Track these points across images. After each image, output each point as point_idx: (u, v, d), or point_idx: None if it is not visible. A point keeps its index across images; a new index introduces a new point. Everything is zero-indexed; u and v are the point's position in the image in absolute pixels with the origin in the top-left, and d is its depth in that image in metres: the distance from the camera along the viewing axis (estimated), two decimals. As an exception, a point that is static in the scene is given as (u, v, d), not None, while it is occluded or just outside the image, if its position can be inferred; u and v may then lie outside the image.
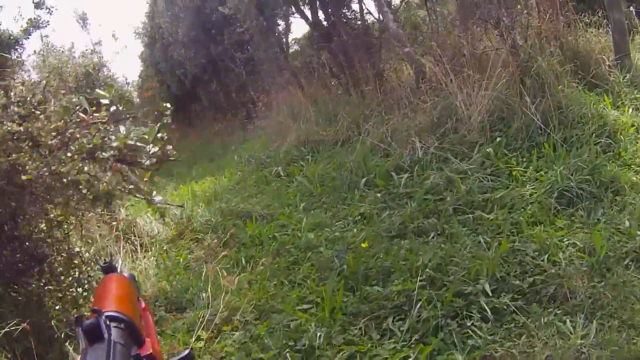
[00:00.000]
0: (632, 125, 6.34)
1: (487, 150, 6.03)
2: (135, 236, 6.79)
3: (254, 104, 12.92)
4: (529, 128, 6.17)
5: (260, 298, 4.78)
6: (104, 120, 3.79)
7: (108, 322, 0.96)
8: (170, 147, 4.26)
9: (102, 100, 3.70)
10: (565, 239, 4.60)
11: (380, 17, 8.85)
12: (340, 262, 4.96)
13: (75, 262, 4.47)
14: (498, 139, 6.22)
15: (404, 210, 5.69)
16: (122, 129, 3.89)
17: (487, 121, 6.42)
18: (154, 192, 4.52)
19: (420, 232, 5.28)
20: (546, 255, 4.37)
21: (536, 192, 5.29)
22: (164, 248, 6.72)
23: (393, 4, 9.71)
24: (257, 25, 11.00)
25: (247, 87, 13.66)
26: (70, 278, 4.36)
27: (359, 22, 9.50)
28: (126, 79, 21.61)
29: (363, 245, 5.05)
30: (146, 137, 3.86)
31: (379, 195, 6.25)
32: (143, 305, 1.32)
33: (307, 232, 5.90)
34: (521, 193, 5.35)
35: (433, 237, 5.12)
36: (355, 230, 5.69)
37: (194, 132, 19.83)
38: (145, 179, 4.51)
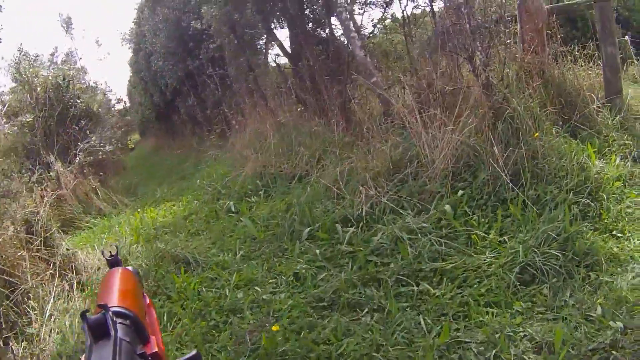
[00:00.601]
0: (618, 179, 5.52)
1: (445, 207, 5.17)
2: (73, 272, 6.23)
3: (227, 122, 12.15)
4: (497, 181, 5.28)
5: (167, 374, 3.95)
6: None
7: (114, 319, 0.92)
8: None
9: None
10: (520, 329, 3.75)
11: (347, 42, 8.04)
12: (252, 341, 4.15)
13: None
14: (460, 192, 5.37)
15: (343, 274, 4.88)
16: None
17: (451, 169, 5.58)
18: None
19: (355, 304, 4.45)
20: (493, 351, 3.54)
21: (496, 263, 4.44)
22: (95, 292, 5.89)
23: (365, 27, 8.96)
24: (229, 42, 10.25)
25: (222, 104, 12.89)
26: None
27: (329, 46, 8.67)
28: (109, 87, 21.11)
29: (274, 328, 4.22)
30: None
31: (318, 252, 5.43)
32: (147, 301, 1.29)
33: (235, 290, 5.19)
34: (478, 263, 4.50)
35: (367, 313, 4.31)
36: (284, 295, 4.91)
37: (174, 143, 19.47)
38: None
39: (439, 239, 4.87)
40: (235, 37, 9.91)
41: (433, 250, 4.78)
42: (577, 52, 7.71)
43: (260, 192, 7.88)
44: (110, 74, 44.57)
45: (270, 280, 5.29)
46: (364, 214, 5.63)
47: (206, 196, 9.22)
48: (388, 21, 9.81)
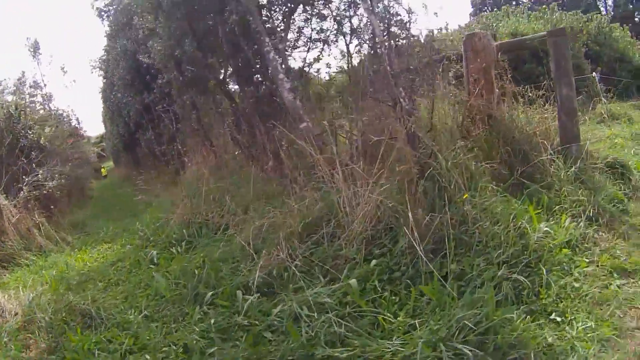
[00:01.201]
0: (567, 246, 4.78)
1: (351, 282, 4.42)
2: (-17, 319, 5.74)
3: (180, 158, 11.49)
4: (416, 251, 4.52)
5: None
6: None
7: None
8: None
9: None
10: None
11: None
12: None
13: None
14: (374, 262, 4.62)
15: (233, 350, 4.20)
16: None
17: (370, 232, 4.86)
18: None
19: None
20: None
21: (401, 353, 3.69)
22: (4, 341, 5.47)
23: (307, 65, 8.30)
24: (175, 79, 9.59)
25: (176, 140, 12.23)
26: None
27: (263, 87, 7.94)
28: (75, 116, 20.68)
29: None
30: None
31: (213, 321, 4.70)
32: None
33: (127, 356, 4.67)
34: (380, 352, 3.75)
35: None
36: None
37: (139, 175, 18.82)
38: None
39: (340, 319, 4.12)
40: (179, 73, 9.26)
41: (331, 332, 4.03)
42: (531, 93, 7.10)
43: (183, 243, 7.25)
44: (85, 100, 44.57)
45: (163, 349, 4.61)
46: (256, 282, 4.91)
47: (138, 241, 8.64)
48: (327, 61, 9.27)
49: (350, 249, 4.83)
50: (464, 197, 4.71)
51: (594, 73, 12.71)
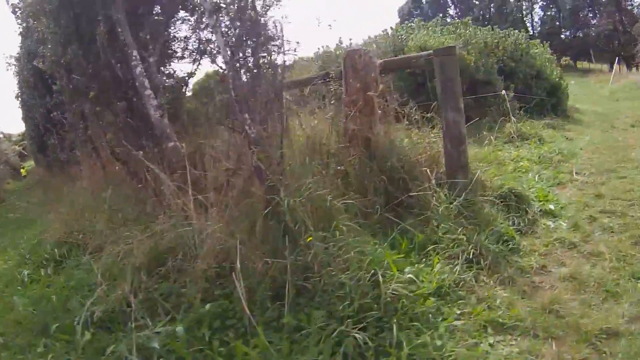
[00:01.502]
0: (436, 294, 4.43)
1: (177, 329, 4.07)
2: None
3: (79, 167, 10.98)
4: (254, 295, 4.22)
5: None
6: None
7: None
8: None
9: None
10: None
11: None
12: None
13: None
14: (208, 306, 4.27)
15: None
16: None
17: (214, 270, 4.53)
18: None
19: None
20: None
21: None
22: None
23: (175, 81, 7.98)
24: (66, 86, 9.09)
25: (75, 148, 11.70)
26: None
27: (135, 100, 7.54)
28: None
29: None
30: None
31: (50, 356, 4.34)
32: None
33: None
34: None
35: None
36: None
37: (52, 179, 18.14)
38: None
39: (163, 370, 3.81)
40: (68, 80, 8.78)
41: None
42: (421, 115, 6.86)
43: (52, 264, 6.83)
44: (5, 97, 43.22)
45: (5, 383, 4.21)
46: (84, 319, 4.55)
47: (17, 258, 8.13)
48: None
49: (191, 287, 4.49)
50: (308, 239, 4.38)
51: (503, 91, 12.60)
